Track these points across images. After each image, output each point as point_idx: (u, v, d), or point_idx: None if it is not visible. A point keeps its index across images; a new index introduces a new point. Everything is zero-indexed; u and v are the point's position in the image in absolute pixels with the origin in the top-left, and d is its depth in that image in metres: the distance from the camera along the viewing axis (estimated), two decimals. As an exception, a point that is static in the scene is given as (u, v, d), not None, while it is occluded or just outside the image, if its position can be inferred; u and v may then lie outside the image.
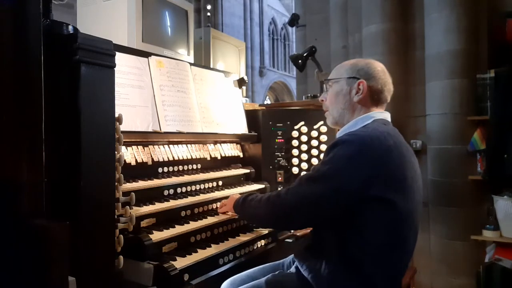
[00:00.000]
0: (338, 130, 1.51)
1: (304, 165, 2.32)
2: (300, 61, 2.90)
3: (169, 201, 1.67)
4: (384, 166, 1.22)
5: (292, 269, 1.49)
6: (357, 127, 1.39)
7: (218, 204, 1.86)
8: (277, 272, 1.51)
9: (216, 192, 1.95)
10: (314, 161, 2.31)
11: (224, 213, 1.81)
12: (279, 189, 2.32)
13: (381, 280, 1.25)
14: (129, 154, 1.63)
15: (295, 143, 2.33)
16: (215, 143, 2.15)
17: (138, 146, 1.69)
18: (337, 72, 1.50)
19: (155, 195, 1.68)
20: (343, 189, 1.22)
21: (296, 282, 1.39)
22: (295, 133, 2.33)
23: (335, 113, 1.48)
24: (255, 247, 1.86)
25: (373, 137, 1.26)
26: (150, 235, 1.45)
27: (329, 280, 1.28)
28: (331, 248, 1.31)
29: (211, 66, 2.95)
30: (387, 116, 1.45)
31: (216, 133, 2.10)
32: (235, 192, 2.01)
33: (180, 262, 1.45)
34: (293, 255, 1.56)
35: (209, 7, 16.27)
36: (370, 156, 1.22)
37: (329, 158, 1.27)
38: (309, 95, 2.93)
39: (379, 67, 1.45)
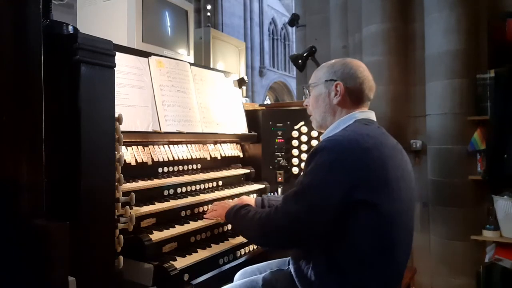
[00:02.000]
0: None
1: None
2: (300, 61, 2.90)
3: (169, 201, 1.67)
4: (364, 168, 1.20)
5: (290, 267, 1.49)
6: (338, 129, 1.38)
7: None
8: (275, 270, 1.52)
9: (216, 192, 1.95)
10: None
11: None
12: (279, 190, 2.32)
13: (371, 287, 1.23)
14: (129, 154, 1.63)
15: (295, 143, 2.33)
16: (215, 143, 2.15)
17: (138, 146, 1.69)
18: (315, 76, 1.50)
19: (155, 195, 1.68)
20: (327, 200, 1.20)
21: (289, 281, 1.38)
22: (295, 133, 2.33)
23: (317, 117, 1.48)
24: (255, 247, 1.86)
25: (351, 140, 1.24)
26: (150, 235, 1.45)
27: (317, 285, 1.27)
28: (319, 253, 1.29)
29: (211, 66, 2.95)
30: (370, 115, 1.42)
31: (216, 133, 2.10)
32: (235, 192, 2.02)
33: (180, 262, 1.45)
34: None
35: (209, 7, 16.27)
36: (349, 161, 1.20)
37: (310, 168, 1.26)
38: (309, 95, 2.93)
39: (356, 66, 1.42)
